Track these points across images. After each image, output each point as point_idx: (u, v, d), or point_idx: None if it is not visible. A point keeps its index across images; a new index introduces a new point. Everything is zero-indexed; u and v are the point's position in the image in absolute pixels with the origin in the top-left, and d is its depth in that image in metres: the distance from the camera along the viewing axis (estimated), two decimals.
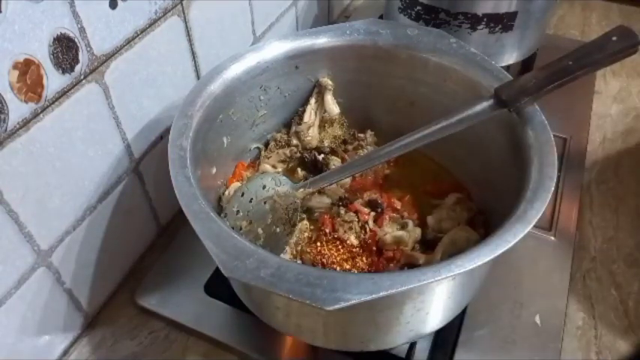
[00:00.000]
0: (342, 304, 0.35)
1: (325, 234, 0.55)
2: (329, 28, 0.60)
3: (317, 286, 0.36)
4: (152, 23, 0.52)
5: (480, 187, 0.58)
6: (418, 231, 0.54)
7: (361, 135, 0.65)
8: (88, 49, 0.45)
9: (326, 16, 0.96)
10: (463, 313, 0.54)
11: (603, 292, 0.59)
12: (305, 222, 0.56)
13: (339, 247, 0.54)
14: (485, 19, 0.69)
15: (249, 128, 0.60)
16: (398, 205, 0.57)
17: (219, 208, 0.55)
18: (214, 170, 0.55)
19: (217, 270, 0.44)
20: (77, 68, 0.45)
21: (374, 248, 0.53)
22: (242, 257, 0.38)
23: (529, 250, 0.60)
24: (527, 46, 0.76)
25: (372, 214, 0.56)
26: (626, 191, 0.70)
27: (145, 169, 0.58)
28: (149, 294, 0.57)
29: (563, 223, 0.63)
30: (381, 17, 0.85)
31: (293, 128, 0.63)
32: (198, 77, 0.62)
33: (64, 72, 0.43)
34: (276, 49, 0.58)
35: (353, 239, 0.54)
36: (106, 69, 0.48)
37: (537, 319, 0.55)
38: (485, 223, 0.54)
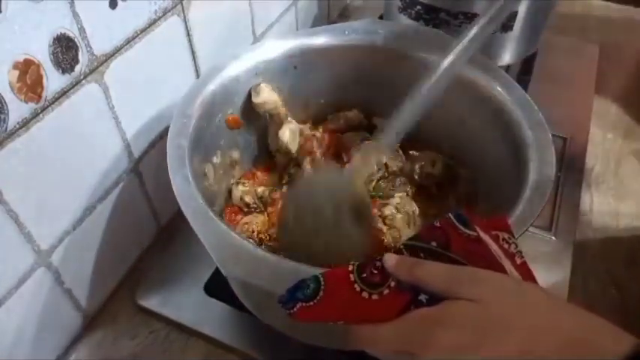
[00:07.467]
0: None
1: None
2: (327, 28, 0.60)
3: None
4: (152, 23, 0.52)
5: (479, 187, 0.58)
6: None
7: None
8: (88, 49, 0.45)
9: (326, 16, 0.96)
10: None
11: (603, 292, 0.59)
12: None
13: None
14: None
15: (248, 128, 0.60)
16: None
17: (219, 208, 0.55)
18: (213, 170, 0.55)
19: (217, 270, 0.44)
20: (77, 68, 0.45)
21: None
22: (241, 257, 0.38)
23: (529, 250, 0.60)
24: (528, 46, 0.76)
25: None
26: (626, 191, 0.70)
27: (145, 168, 0.58)
28: (149, 294, 0.57)
29: (563, 223, 0.63)
30: (381, 17, 0.85)
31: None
32: (198, 77, 0.62)
33: (64, 72, 0.43)
34: (274, 48, 0.58)
35: None
36: (106, 69, 0.48)
37: None
38: None
